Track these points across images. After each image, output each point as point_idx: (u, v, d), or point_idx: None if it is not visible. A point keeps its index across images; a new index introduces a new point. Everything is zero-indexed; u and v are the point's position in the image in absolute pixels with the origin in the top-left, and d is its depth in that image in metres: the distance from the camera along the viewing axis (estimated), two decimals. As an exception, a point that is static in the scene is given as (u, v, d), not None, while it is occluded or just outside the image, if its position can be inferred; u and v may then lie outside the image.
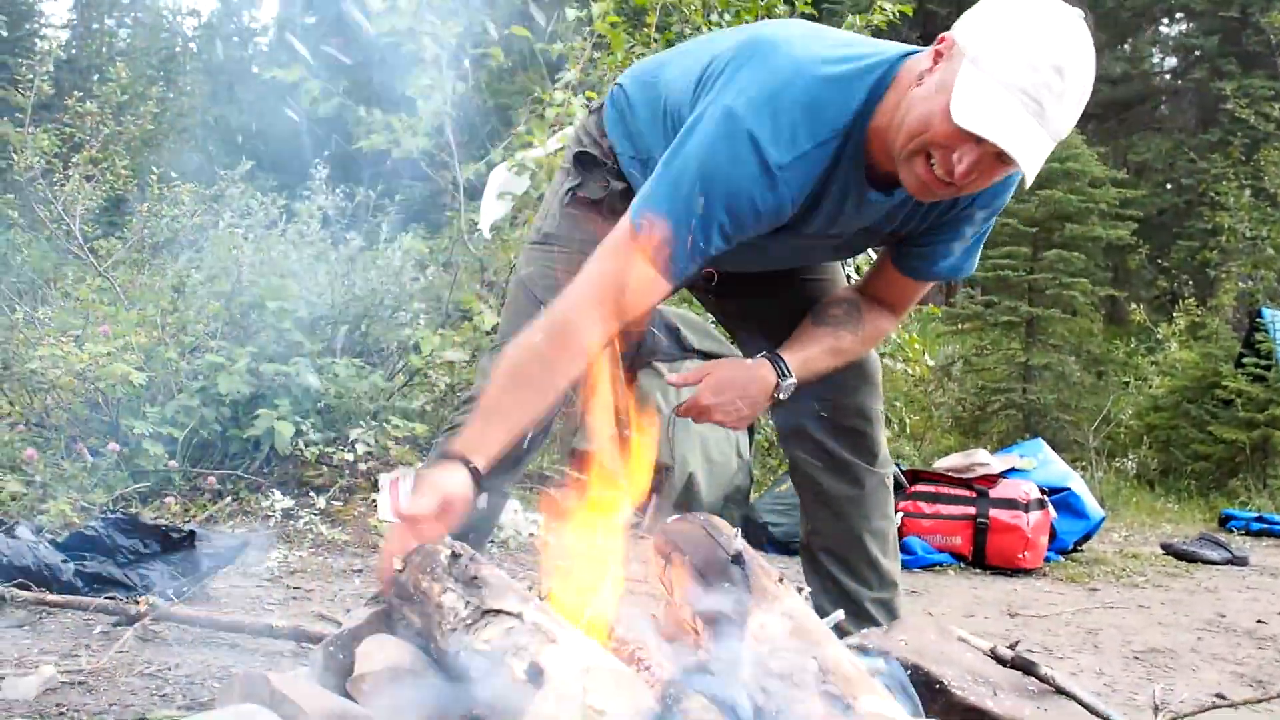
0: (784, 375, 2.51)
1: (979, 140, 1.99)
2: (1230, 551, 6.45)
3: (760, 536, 5.32)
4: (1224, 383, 10.78)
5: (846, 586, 2.80)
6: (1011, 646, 2.08)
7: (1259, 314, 11.06)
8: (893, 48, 2.26)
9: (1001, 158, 2.01)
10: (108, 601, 3.15)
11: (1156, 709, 2.29)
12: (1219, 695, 3.27)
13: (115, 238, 7.78)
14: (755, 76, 2.18)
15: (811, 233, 2.38)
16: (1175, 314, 14.18)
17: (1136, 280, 19.53)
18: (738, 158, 2.14)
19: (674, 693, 1.65)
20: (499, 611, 1.75)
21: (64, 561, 3.35)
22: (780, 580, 1.84)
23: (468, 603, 1.81)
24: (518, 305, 2.70)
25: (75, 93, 6.59)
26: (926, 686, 1.90)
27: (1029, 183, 2.04)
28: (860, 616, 2.75)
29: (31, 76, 6.36)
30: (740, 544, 1.89)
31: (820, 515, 2.87)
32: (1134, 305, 15.22)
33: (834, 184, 2.26)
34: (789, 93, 2.15)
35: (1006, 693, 1.98)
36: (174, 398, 4.89)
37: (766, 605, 1.79)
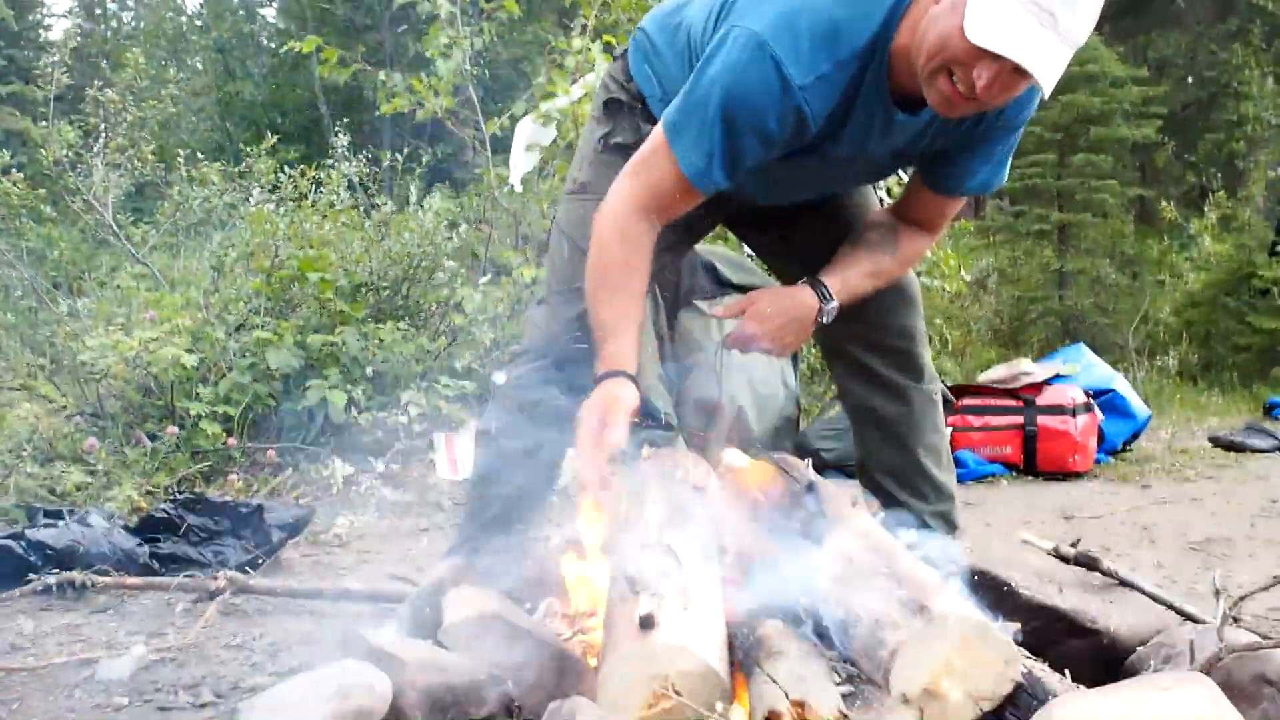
0: (826, 299, 2.56)
1: (996, 56, 2.01)
2: (1277, 438, 6.46)
3: (814, 463, 5.36)
4: (1259, 272, 10.71)
5: (905, 502, 2.85)
6: (1073, 545, 2.13)
7: (1290, 201, 10.96)
8: None
9: (1020, 71, 2.03)
10: (187, 580, 3.23)
11: (1218, 593, 2.33)
12: (1277, 576, 3.31)
13: (146, 223, 7.83)
14: (774, 1, 2.22)
15: (842, 155, 2.41)
16: (1206, 208, 14.01)
17: (1165, 178, 19.29)
18: (760, 78, 2.19)
19: (750, 620, 1.72)
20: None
21: (139, 545, 3.43)
22: (854, 503, 1.90)
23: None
24: (560, 254, 2.75)
25: (96, 81, 6.62)
26: (994, 589, 1.96)
27: (1046, 94, 2.07)
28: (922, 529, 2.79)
29: (50, 69, 6.39)
30: (812, 474, 1.96)
31: (873, 436, 2.92)
32: (1164, 203, 15.04)
33: (859, 104, 2.30)
34: (807, 15, 2.19)
35: (1072, 589, 2.03)
36: (225, 376, 4.96)
37: (841, 526, 1.86)
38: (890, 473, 2.89)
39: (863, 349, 2.86)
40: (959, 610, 1.59)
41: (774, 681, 1.43)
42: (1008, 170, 2.66)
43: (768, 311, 2.61)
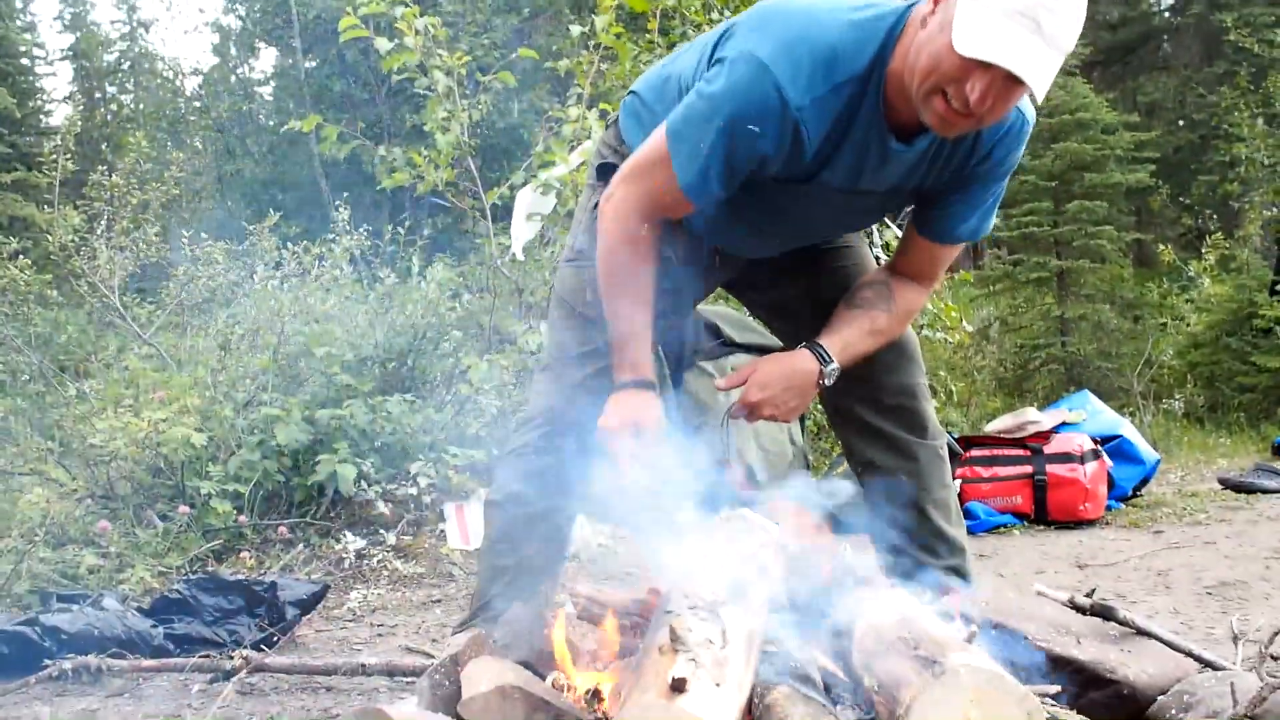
0: (825, 361, 2.60)
1: (986, 66, 2.08)
2: (1287, 478, 6.45)
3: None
4: (1260, 312, 10.72)
5: (917, 558, 2.83)
6: (1088, 595, 2.13)
7: (1288, 239, 11.01)
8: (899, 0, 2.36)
9: (1012, 79, 2.09)
10: (202, 660, 3.22)
11: (1236, 638, 2.33)
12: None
13: (150, 303, 7.88)
14: (774, 28, 2.30)
15: (836, 186, 2.46)
16: (1204, 249, 14.08)
17: (1161, 221, 19.41)
18: (760, 97, 2.26)
19: (762, 688, 1.73)
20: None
21: (153, 627, 3.43)
22: (892, 584, 1.92)
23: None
24: (560, 321, 2.80)
25: (100, 166, 6.69)
26: (1011, 642, 1.96)
27: (1040, 99, 2.14)
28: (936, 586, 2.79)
29: (53, 155, 6.46)
30: (850, 556, 1.99)
31: (880, 494, 2.90)
32: (1161, 246, 15.12)
33: (855, 129, 2.36)
34: (806, 41, 2.27)
35: (1089, 639, 2.03)
36: (234, 454, 4.97)
37: (875, 602, 1.88)
38: (900, 530, 2.88)
39: (866, 408, 2.88)
40: (972, 662, 1.59)
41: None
42: (993, 220, 2.70)
43: (769, 379, 2.65)
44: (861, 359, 2.69)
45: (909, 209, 2.73)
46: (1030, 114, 2.52)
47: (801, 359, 2.63)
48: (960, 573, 2.86)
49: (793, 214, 2.61)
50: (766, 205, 2.54)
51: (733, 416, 2.74)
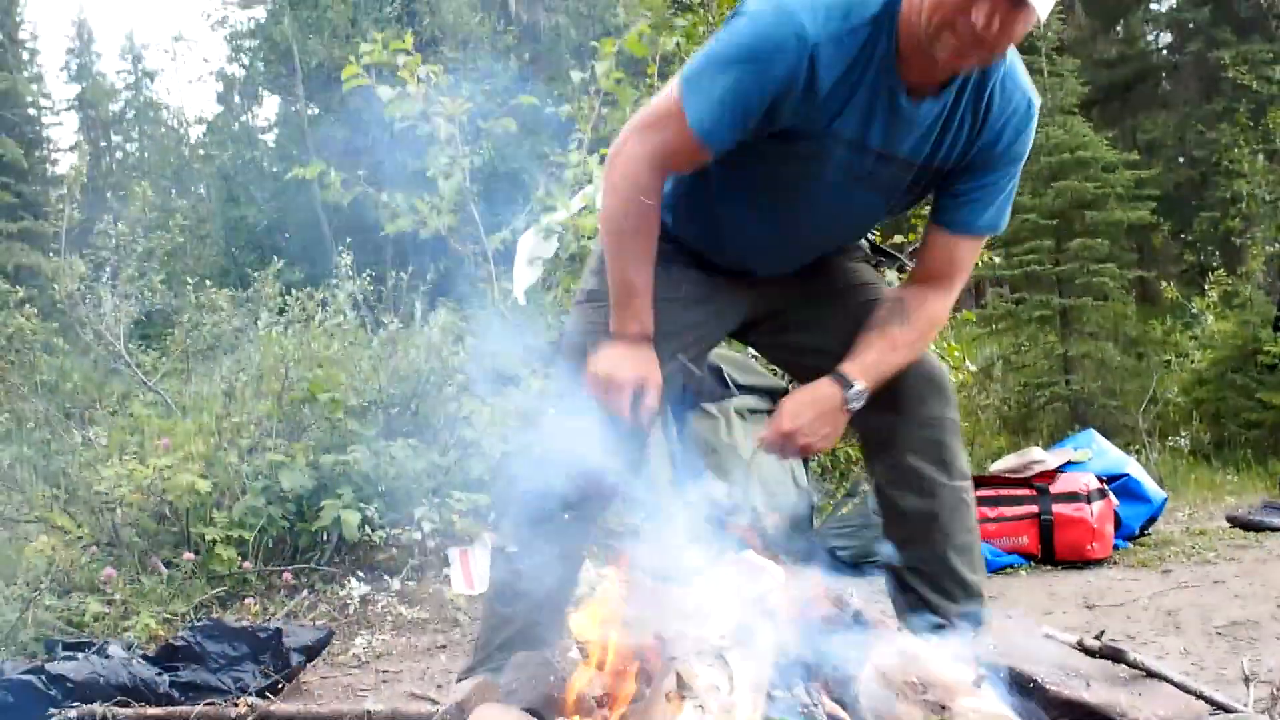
0: (847, 385, 2.63)
1: None
2: (1296, 515, 6.43)
3: (828, 561, 5.36)
4: (1265, 348, 10.72)
5: (933, 603, 2.80)
6: (1097, 637, 2.12)
7: (1291, 275, 11.02)
8: None
9: (1015, 3, 2.17)
10: (207, 708, 3.21)
11: (1248, 680, 2.32)
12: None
13: (155, 350, 7.91)
14: None
15: (848, 137, 2.48)
16: (1206, 286, 14.10)
17: (1163, 258, 19.46)
18: (776, 32, 2.33)
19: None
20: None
21: (158, 674, 3.41)
22: (899, 629, 1.92)
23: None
24: (571, 363, 2.79)
25: (105, 215, 6.73)
26: (1020, 685, 1.95)
27: (1044, 19, 2.22)
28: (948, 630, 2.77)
29: (59, 205, 6.50)
30: (859, 603, 2.00)
31: (901, 534, 2.89)
32: (1164, 283, 15.13)
33: (867, 76, 2.40)
34: None
35: (1098, 682, 2.02)
36: (239, 499, 4.97)
37: (881, 647, 1.87)
38: (918, 571, 2.85)
39: (895, 442, 2.86)
40: (981, 707, 1.58)
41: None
42: (1008, 214, 2.73)
43: (799, 409, 2.68)
44: (889, 379, 2.71)
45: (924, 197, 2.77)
46: (1036, 98, 2.58)
47: (824, 385, 2.66)
48: (974, 618, 2.80)
49: (805, 195, 2.63)
50: (778, 181, 2.59)
51: (767, 450, 2.75)
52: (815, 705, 1.72)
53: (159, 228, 7.17)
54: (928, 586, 2.82)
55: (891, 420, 2.82)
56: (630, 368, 2.62)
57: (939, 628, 2.65)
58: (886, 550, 2.90)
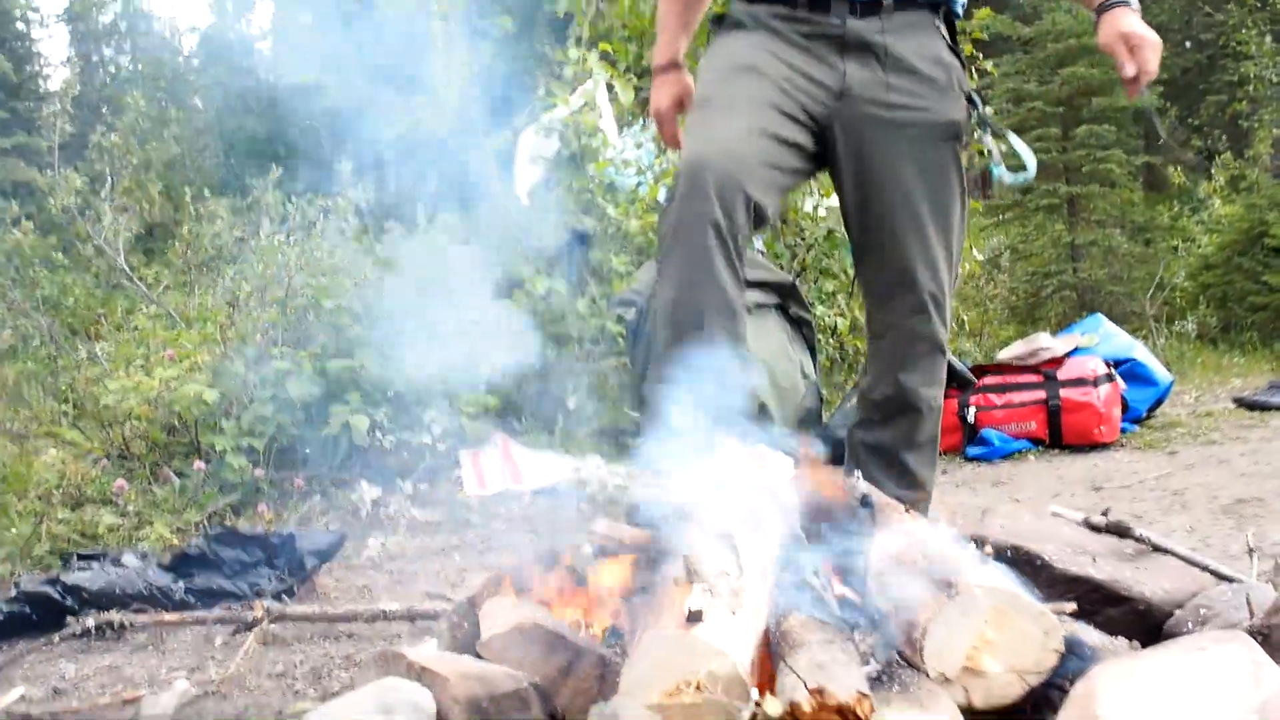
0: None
1: None
2: (1302, 395, 6.44)
3: (836, 453, 5.39)
4: (1272, 231, 10.65)
5: (878, 481, 2.82)
6: (1103, 514, 2.13)
7: (1299, 157, 10.91)
8: None
9: None
10: (224, 612, 3.23)
11: (1252, 552, 2.33)
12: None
13: (158, 263, 7.88)
14: None
15: None
16: (1213, 170, 13.97)
17: (1170, 143, 19.25)
18: None
19: (779, 615, 1.73)
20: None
21: (174, 581, 3.43)
22: (906, 511, 1.93)
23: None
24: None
25: (100, 128, 6.66)
26: (1028, 564, 1.96)
27: None
28: None
29: (52, 119, 6.44)
30: (865, 487, 2.00)
31: (870, 415, 2.96)
32: (1171, 168, 15.00)
33: None
34: None
35: (1105, 558, 2.03)
36: (248, 408, 4.97)
37: (888, 529, 1.88)
38: (873, 449, 2.92)
39: (882, 342, 2.91)
40: (988, 582, 1.59)
41: (794, 672, 1.43)
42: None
43: (1131, 26, 2.73)
44: None
45: None
46: None
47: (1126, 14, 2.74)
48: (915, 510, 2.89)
49: None
50: None
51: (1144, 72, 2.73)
52: (824, 588, 1.73)
53: (154, 139, 7.10)
54: (877, 468, 2.88)
55: (890, 320, 2.86)
56: (666, 95, 2.97)
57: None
58: (850, 419, 3.03)
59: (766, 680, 1.59)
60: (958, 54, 2.88)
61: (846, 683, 1.36)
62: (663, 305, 2.69)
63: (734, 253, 2.58)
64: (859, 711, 1.31)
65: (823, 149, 2.82)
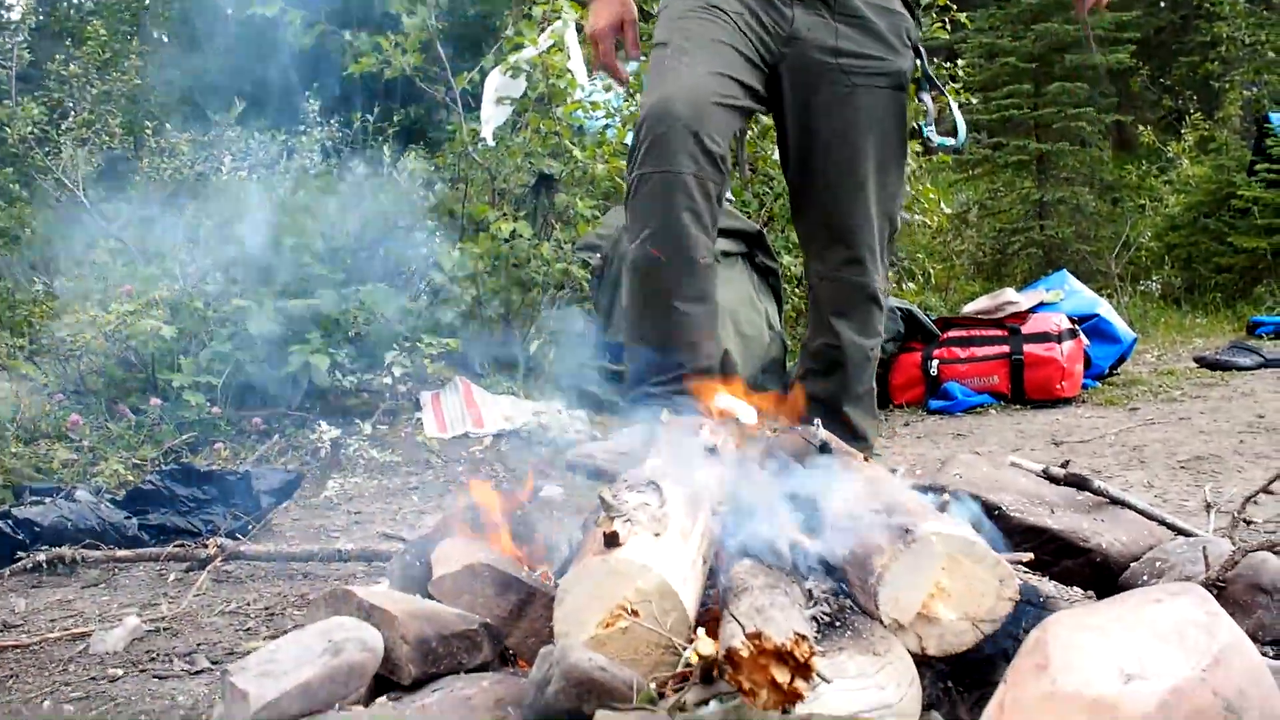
0: None
1: None
2: (1262, 355, 6.49)
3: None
4: (1239, 192, 10.71)
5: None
6: (1063, 465, 2.12)
7: (1266, 119, 10.93)
8: None
9: None
10: (177, 549, 3.21)
11: (1209, 506, 2.33)
12: (1265, 490, 3.33)
13: (119, 199, 7.75)
14: None
15: None
16: (1183, 131, 14.00)
17: (1141, 102, 19.25)
18: None
19: (726, 560, 1.72)
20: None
21: (127, 518, 3.41)
22: (865, 458, 1.91)
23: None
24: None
25: (57, 56, 6.53)
26: (985, 513, 1.95)
27: None
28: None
29: (9, 47, 6.30)
30: (824, 434, 1.98)
31: (811, 366, 3.00)
32: (1141, 128, 15.01)
33: None
34: None
35: (1063, 510, 2.02)
36: (206, 346, 4.93)
37: (846, 475, 1.86)
38: (816, 400, 2.93)
39: (820, 294, 2.96)
40: (944, 530, 1.58)
41: (734, 618, 1.41)
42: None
43: None
44: None
45: None
46: None
47: None
48: None
49: None
50: None
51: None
52: (777, 532, 1.71)
53: (115, 70, 6.97)
54: (818, 416, 2.88)
55: (822, 272, 2.90)
56: (604, 15, 2.86)
57: None
58: (795, 374, 3.08)
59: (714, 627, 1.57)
60: (909, 4, 2.87)
61: (784, 626, 1.34)
62: (630, 260, 2.70)
63: (700, 204, 2.59)
64: (796, 654, 1.29)
65: (770, 92, 2.84)
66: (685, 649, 1.46)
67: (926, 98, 2.92)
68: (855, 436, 2.92)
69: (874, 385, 3.02)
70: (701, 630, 1.51)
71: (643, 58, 3.10)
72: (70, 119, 6.47)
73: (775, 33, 2.76)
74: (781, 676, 1.28)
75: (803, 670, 1.28)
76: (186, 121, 7.54)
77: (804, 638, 1.31)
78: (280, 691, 1.62)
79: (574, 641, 1.53)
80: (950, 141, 2.94)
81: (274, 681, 1.64)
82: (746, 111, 2.83)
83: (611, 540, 1.58)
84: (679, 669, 1.46)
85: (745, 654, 1.29)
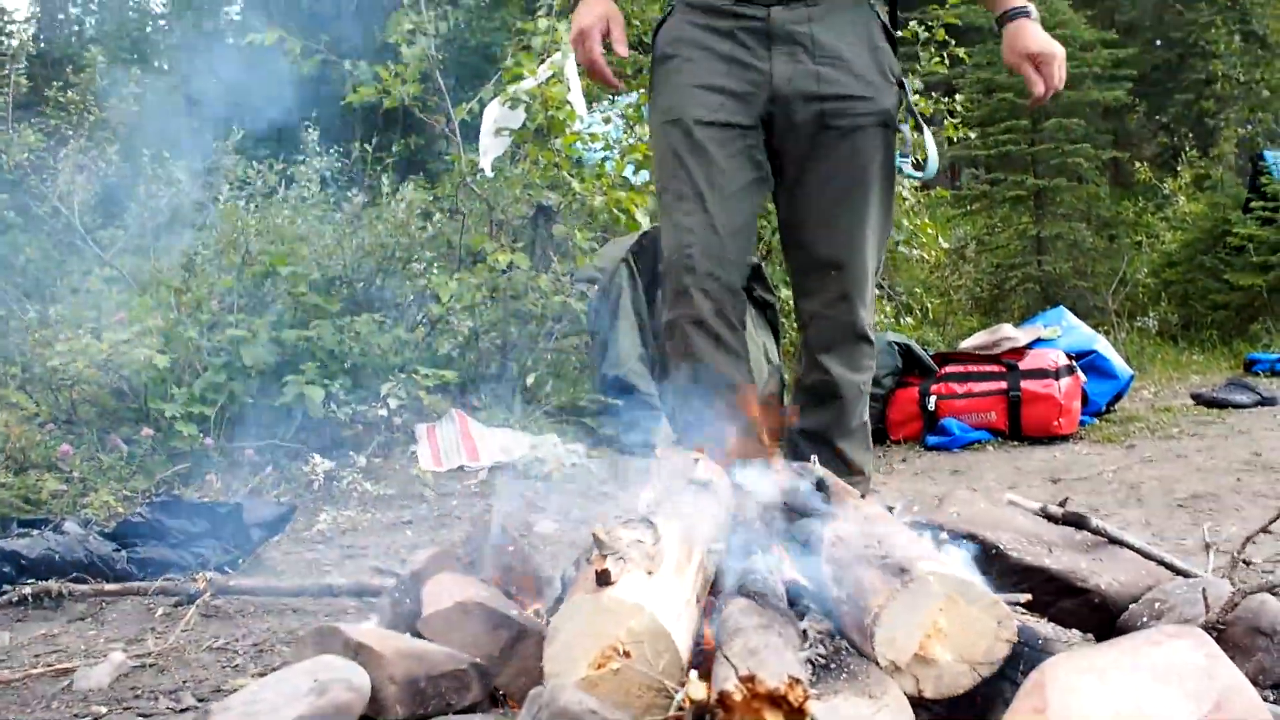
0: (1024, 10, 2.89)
1: None
2: (1259, 393, 6.48)
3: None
4: (1234, 230, 10.73)
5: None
6: (1060, 504, 2.10)
7: (1261, 157, 10.98)
8: None
9: None
10: (166, 583, 3.16)
11: (1208, 546, 2.31)
12: (1263, 530, 3.30)
13: (115, 226, 7.74)
14: None
15: None
16: (1179, 168, 14.04)
17: (1137, 139, 19.31)
18: None
19: (721, 600, 1.69)
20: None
21: (116, 550, 3.35)
22: (862, 496, 1.89)
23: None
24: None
25: (55, 83, 6.53)
26: (983, 552, 1.93)
27: None
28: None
29: (7, 73, 6.30)
30: (821, 471, 1.97)
31: (805, 402, 2.97)
32: (1137, 164, 15.06)
33: None
34: None
35: (1061, 549, 2.00)
36: (200, 376, 4.90)
37: (843, 513, 1.84)
38: (810, 435, 2.93)
39: (811, 331, 2.93)
40: (941, 570, 1.55)
41: (727, 660, 1.38)
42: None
43: (1039, 40, 2.87)
44: None
45: None
46: None
47: (1024, 25, 2.89)
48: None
49: None
50: None
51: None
52: (772, 571, 1.69)
53: (113, 97, 6.97)
54: (812, 452, 2.86)
55: (812, 309, 2.89)
56: (590, 13, 2.82)
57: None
58: (789, 411, 3.04)
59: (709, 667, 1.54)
60: (892, 37, 2.88)
61: (778, 668, 1.31)
62: (673, 383, 2.84)
63: (727, 332, 2.79)
64: (790, 698, 1.26)
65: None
66: (677, 691, 1.43)
67: (905, 128, 2.93)
68: (850, 470, 2.91)
69: (868, 420, 3.01)
70: (694, 672, 1.48)
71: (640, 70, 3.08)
72: (67, 146, 6.46)
73: (758, 85, 2.78)
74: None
75: (797, 715, 1.26)
76: (185, 150, 7.53)
77: (798, 681, 1.28)
78: (264, 732, 1.60)
79: (564, 682, 1.50)
80: (921, 174, 2.97)
81: (258, 723, 1.61)
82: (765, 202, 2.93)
83: (604, 578, 1.55)
84: (671, 712, 1.43)
85: (738, 697, 1.26)
